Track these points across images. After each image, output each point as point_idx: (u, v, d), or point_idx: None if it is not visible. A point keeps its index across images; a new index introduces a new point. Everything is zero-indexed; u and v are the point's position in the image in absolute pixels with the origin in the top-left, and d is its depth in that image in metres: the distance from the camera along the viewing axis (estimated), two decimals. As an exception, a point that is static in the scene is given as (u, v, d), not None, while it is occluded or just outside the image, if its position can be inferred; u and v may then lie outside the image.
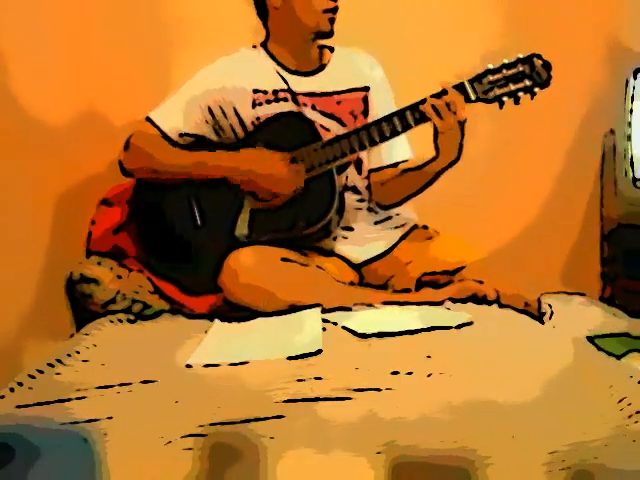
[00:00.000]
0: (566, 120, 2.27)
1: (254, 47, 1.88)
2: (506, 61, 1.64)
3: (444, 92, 1.64)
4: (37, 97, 1.98)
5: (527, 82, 1.63)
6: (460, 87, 1.64)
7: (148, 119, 1.82)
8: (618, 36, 2.27)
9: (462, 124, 1.64)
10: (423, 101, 1.65)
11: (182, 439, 0.98)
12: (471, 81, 1.64)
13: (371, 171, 1.88)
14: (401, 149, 1.87)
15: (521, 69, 1.63)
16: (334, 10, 1.76)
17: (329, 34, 1.79)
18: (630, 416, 1.01)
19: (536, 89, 1.63)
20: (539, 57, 1.64)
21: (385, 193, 1.87)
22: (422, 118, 1.66)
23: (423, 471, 0.94)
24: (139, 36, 2.14)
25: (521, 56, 1.64)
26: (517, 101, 1.64)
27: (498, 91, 1.64)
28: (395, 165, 1.87)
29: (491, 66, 1.65)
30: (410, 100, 1.69)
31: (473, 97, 1.64)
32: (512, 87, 1.64)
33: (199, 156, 1.77)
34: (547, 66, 1.63)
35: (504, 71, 1.64)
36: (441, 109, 1.62)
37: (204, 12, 2.15)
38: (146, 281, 1.80)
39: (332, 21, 1.77)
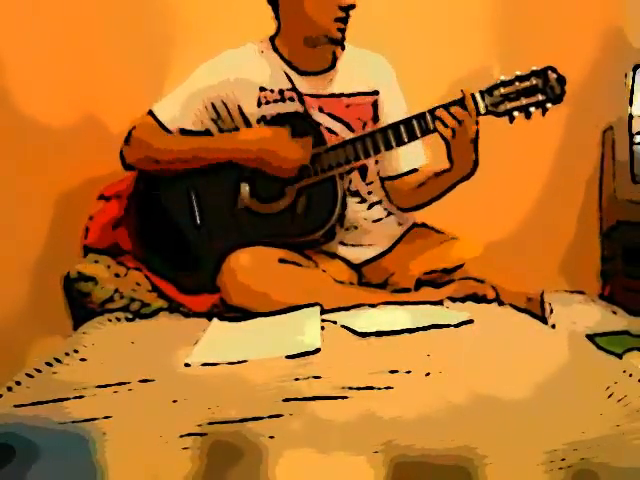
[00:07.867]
0: (565, 116, 2.27)
1: (261, 42, 1.81)
2: (519, 73, 1.59)
3: (452, 103, 1.59)
4: (36, 98, 1.98)
5: (540, 96, 1.57)
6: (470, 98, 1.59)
7: (150, 112, 1.80)
8: (618, 32, 2.27)
9: (475, 138, 1.60)
10: (432, 110, 1.61)
11: (181, 438, 0.98)
12: (482, 93, 1.60)
13: (386, 179, 1.86)
14: (416, 155, 1.82)
15: (534, 82, 1.58)
16: (344, 20, 1.68)
17: (338, 42, 1.73)
18: (630, 415, 1.00)
19: (548, 105, 1.58)
20: (554, 70, 1.58)
21: (407, 199, 1.84)
22: (429, 129, 1.62)
23: (422, 470, 0.93)
24: (139, 36, 2.12)
25: (535, 68, 1.59)
26: (528, 116, 1.58)
27: (509, 105, 1.58)
28: (410, 172, 1.83)
29: (503, 77, 1.59)
30: (419, 105, 1.66)
31: (483, 110, 1.59)
32: (524, 101, 1.58)
33: (199, 141, 1.75)
34: (561, 80, 1.57)
35: (517, 83, 1.58)
36: (447, 119, 1.58)
37: (207, 11, 2.14)
38: (144, 279, 1.79)
39: (342, 31, 1.70)
